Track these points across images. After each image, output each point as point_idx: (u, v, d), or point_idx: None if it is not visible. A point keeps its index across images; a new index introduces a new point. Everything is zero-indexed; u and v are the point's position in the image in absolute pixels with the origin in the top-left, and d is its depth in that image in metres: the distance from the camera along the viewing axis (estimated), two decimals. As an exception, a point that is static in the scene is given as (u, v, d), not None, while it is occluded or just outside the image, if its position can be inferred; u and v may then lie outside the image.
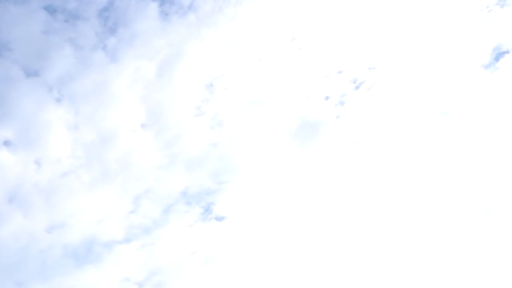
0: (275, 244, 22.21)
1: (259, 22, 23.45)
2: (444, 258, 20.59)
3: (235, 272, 22.07)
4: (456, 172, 21.66)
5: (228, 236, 22.38)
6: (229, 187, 22.66)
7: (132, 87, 23.31)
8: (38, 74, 23.09)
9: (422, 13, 22.53)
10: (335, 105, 22.54)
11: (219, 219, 22.49)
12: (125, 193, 22.93)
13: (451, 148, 21.86)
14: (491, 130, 21.45)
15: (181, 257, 22.33)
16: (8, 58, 23.07)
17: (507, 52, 21.20)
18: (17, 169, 22.52)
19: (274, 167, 22.66)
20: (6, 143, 22.73)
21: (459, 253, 20.48)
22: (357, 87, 22.48)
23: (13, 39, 22.78)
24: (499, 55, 21.28)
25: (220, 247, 22.31)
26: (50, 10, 22.72)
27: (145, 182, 22.97)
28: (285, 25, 23.35)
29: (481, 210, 20.76)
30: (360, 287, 21.00)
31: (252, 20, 23.44)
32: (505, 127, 21.24)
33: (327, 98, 22.62)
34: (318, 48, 23.05)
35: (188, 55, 23.36)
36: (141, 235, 22.61)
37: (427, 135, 22.05)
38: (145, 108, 23.26)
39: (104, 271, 22.17)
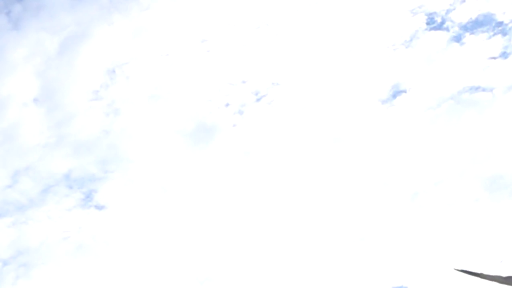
0: (151, 241, 21.99)
1: (172, 18, 23.31)
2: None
3: (106, 262, 21.66)
4: (337, 196, 22.29)
5: (105, 227, 21.95)
6: (114, 177, 22.27)
7: (30, 59, 22.53)
8: None
9: (331, 42, 23.18)
10: (233, 113, 22.72)
11: (99, 207, 22.04)
12: (4, 166, 22.06)
13: (336, 172, 22.49)
14: (377, 161, 22.27)
15: (53, 241, 21.67)
16: None
17: (404, 91, 22.17)
18: None
19: (163, 163, 22.49)
20: None
21: (328, 280, 21.07)
22: (258, 99, 22.77)
23: None
24: (396, 93, 22.23)
25: (95, 237, 21.84)
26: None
27: (28, 158, 22.19)
28: (197, 26, 23.33)
29: (356, 238, 21.45)
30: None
31: (165, 14, 23.27)
32: (390, 160, 22.13)
33: (227, 105, 22.76)
34: (227, 55, 23.19)
35: (95, 37, 22.89)
36: (14, 212, 21.79)
37: (316, 159, 22.59)
38: (41, 83, 22.54)
39: (-31, 243, 21.15)
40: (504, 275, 10.28)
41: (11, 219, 21.69)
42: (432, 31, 22.30)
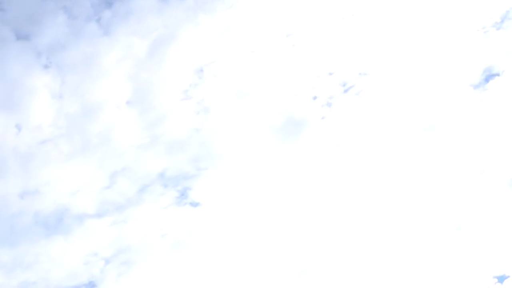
0: (246, 236, 22.25)
1: (256, 14, 23.46)
2: (412, 271, 20.84)
3: (202, 259, 22.09)
4: (433, 186, 21.89)
5: (201, 223, 22.37)
6: (207, 174, 22.65)
7: (121, 63, 23.18)
8: (28, 38, 22.89)
9: (418, 27, 22.73)
10: (322, 106, 22.66)
11: (194, 205, 22.48)
12: (102, 168, 22.80)
13: (430, 162, 22.10)
14: (472, 148, 21.73)
15: (151, 238, 22.28)
16: None
17: (498, 74, 21.49)
18: (-3, 131, 22.29)
19: (254, 159, 22.70)
20: (-12, 104, 22.51)
21: (430, 267, 20.73)
22: (345, 91, 22.63)
23: (7, 0, 22.53)
24: (489, 76, 21.58)
25: (191, 233, 22.31)
26: (49, -25, 22.51)
27: (124, 159, 22.86)
28: (281, 20, 23.39)
29: (453, 227, 21.03)
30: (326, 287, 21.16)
31: (250, 11, 23.44)
32: (485, 147, 21.54)
33: (315, 98, 22.73)
34: (312, 48, 23.14)
35: (182, 38, 23.30)
36: (114, 211, 22.52)
37: (409, 147, 22.25)
38: (132, 86, 23.15)
39: (72, 243, 22.04)
40: None
41: (111, 219, 22.45)
42: (524, 11, 21.51)
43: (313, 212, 22.14)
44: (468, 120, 21.52)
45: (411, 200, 21.66)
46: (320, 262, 21.42)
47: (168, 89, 23.13)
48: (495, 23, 21.64)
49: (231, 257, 21.95)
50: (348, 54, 22.83)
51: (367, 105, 22.44)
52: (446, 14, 22.47)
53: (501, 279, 19.86)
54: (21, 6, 22.81)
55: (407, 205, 21.62)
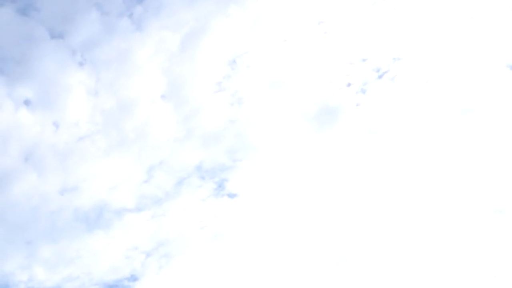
0: (284, 226, 22.26)
1: (287, 3, 23.40)
2: (451, 256, 20.61)
3: (242, 250, 22.15)
4: (471, 170, 21.63)
5: (239, 214, 22.44)
6: (243, 165, 22.69)
7: (155, 57, 23.33)
8: (63, 37, 23.17)
9: (452, 8, 22.44)
10: (356, 93, 22.52)
11: (231, 196, 22.55)
12: (139, 162, 23.00)
13: (468, 145, 21.83)
14: (510, 129, 21.40)
15: (190, 231, 22.42)
16: (34, 17, 23.14)
17: (535, 54, 21.11)
18: (35, 129, 22.62)
19: (290, 149, 22.68)
20: (26, 102, 22.86)
21: (467, 252, 20.49)
22: (380, 77, 22.46)
23: (40, 0, 22.86)
24: (526, 56, 21.20)
25: (230, 225, 22.39)
26: (80, -27, 22.75)
27: (160, 153, 23.02)
28: (312, 8, 23.29)
29: (494, 210, 20.75)
30: (364, 275, 21.07)
31: (280, 0, 23.39)
32: (524, 129, 21.19)
33: (349, 85, 22.60)
34: (344, 34, 23.01)
35: (213, 30, 23.36)
36: (152, 205, 22.70)
37: (446, 131, 22.02)
38: (166, 80, 23.29)
39: (113, 237, 22.28)
40: None
41: (150, 213, 22.65)
42: (561, -13, 21.08)
43: (350, 200, 22.04)
44: (505, 101, 21.18)
45: (452, 183, 21.45)
46: (359, 250, 21.33)
47: (201, 81, 23.23)
48: (531, 1, 21.25)
49: (271, 246, 21.98)
50: (381, 39, 22.65)
51: (402, 90, 22.24)
52: (480, -6, 22.14)
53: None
54: (55, 5, 23.13)
55: (448, 189, 21.42)
